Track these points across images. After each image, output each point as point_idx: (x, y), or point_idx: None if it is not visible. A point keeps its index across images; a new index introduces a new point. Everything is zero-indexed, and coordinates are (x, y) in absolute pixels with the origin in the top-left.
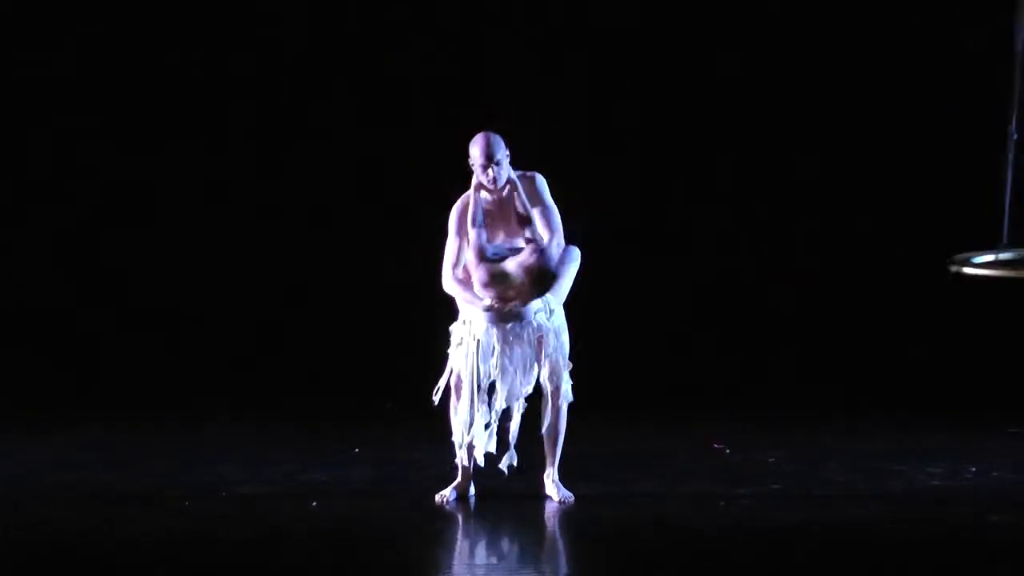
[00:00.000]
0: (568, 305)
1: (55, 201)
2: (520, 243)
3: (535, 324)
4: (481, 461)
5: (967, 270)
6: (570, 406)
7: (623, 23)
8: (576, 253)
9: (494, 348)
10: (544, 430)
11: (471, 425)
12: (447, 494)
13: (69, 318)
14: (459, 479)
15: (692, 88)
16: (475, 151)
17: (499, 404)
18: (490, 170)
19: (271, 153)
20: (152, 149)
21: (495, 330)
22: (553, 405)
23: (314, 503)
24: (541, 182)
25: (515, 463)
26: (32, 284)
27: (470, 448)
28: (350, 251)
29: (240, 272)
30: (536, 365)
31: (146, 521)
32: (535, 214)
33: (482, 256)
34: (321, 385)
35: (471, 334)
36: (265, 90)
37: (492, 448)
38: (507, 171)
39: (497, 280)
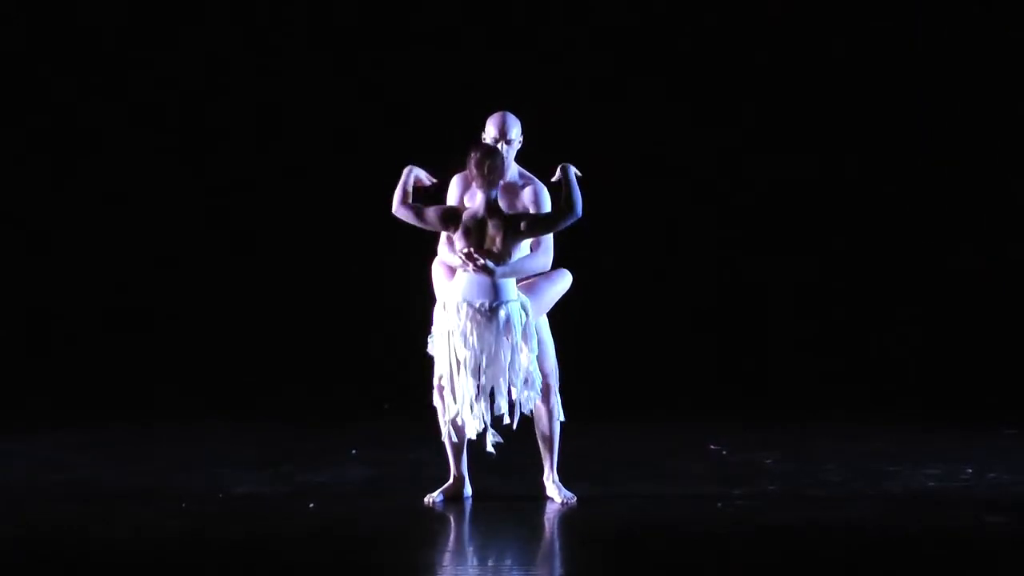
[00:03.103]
0: (567, 306)
1: (50, 200)
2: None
3: (505, 312)
4: (473, 435)
5: None
6: (570, 405)
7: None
8: (567, 276)
9: (465, 329)
10: (538, 432)
11: (456, 401)
12: (435, 496)
13: (67, 318)
14: (450, 482)
15: (691, 85)
16: (491, 126)
17: (465, 380)
18: (501, 146)
19: (272, 152)
20: (162, 149)
21: (465, 309)
22: (545, 408)
23: (311, 504)
24: (542, 192)
25: (499, 440)
26: (29, 284)
27: (457, 426)
28: (350, 251)
29: (240, 272)
30: (503, 354)
31: (143, 521)
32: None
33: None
34: (320, 385)
35: (444, 319)
36: (264, 91)
37: (480, 426)
38: (514, 151)
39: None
